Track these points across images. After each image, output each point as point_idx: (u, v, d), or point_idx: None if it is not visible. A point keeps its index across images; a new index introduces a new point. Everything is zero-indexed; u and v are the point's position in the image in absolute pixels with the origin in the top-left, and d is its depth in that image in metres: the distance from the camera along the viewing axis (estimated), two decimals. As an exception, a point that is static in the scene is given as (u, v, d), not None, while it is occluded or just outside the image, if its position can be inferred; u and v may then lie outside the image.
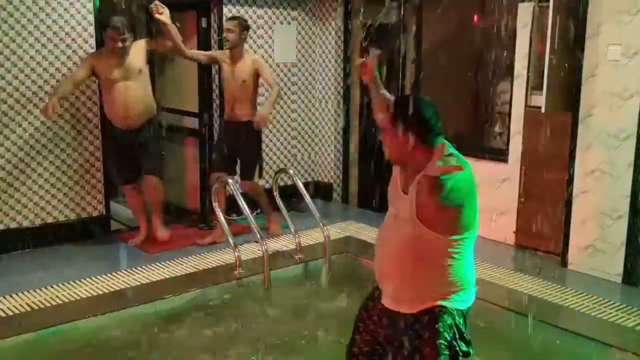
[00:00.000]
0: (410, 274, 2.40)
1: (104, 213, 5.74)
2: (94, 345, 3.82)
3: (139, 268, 4.94)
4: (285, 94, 6.82)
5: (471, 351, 2.46)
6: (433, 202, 2.24)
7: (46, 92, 5.24)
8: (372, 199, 6.62)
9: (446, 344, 2.38)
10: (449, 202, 2.23)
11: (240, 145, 5.58)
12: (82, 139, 5.53)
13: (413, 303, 2.42)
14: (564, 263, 5.10)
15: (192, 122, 6.50)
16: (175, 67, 6.64)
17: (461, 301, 2.45)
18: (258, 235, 4.75)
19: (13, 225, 5.27)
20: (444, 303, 2.41)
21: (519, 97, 5.36)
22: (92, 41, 5.47)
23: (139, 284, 4.67)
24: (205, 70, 6.27)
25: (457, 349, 2.41)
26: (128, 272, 4.87)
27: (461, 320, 2.44)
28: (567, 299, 4.50)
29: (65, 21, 5.32)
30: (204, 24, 6.23)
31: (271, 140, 6.78)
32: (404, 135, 2.34)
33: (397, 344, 2.46)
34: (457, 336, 2.42)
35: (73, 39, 5.38)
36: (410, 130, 2.34)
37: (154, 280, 4.72)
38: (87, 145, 5.56)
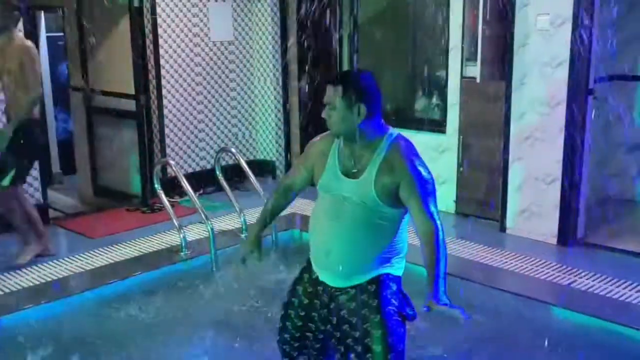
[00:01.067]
0: (362, 250, 2.43)
1: (42, 201, 5.59)
2: (37, 335, 3.73)
3: (81, 255, 4.84)
4: (224, 72, 6.76)
5: (416, 314, 2.54)
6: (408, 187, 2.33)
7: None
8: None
9: (395, 309, 2.44)
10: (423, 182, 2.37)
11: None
12: (14, 125, 5.33)
13: (361, 276, 2.45)
14: (502, 228, 5.29)
15: (129, 105, 6.37)
16: (108, 48, 6.48)
17: (400, 268, 2.53)
18: (203, 216, 4.72)
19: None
20: (388, 270, 2.47)
21: (455, 68, 5.47)
22: None
23: (82, 270, 4.59)
24: (140, 51, 6.14)
25: (405, 313, 2.49)
26: (70, 259, 4.77)
27: (401, 287, 2.53)
28: (506, 262, 4.68)
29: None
30: None
31: (210, 120, 6.72)
32: (353, 108, 2.37)
33: (341, 320, 2.47)
34: (402, 301, 2.50)
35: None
36: (360, 102, 2.37)
37: (98, 265, 4.65)
38: (19, 132, 5.36)
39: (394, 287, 2.48)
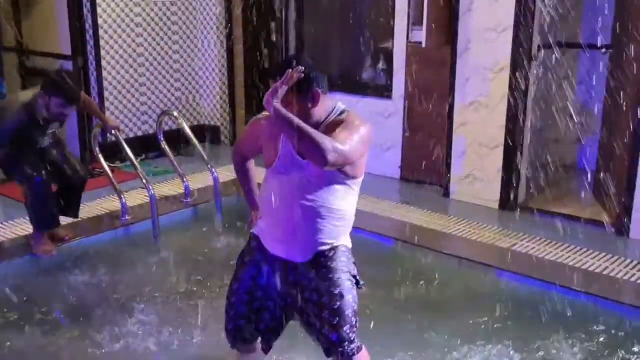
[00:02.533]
0: (318, 225, 2.41)
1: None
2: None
3: (16, 220, 4.66)
4: (166, 34, 6.55)
5: (362, 284, 2.56)
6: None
7: None
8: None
9: (349, 273, 2.48)
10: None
11: None
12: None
13: (317, 249, 2.45)
14: (446, 193, 5.34)
15: (66, 66, 6.12)
16: (44, 5, 6.19)
17: (349, 236, 2.55)
18: (144, 181, 4.60)
19: None
20: (343, 240, 2.50)
21: (401, 33, 5.43)
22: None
23: (16, 235, 4.42)
24: (77, 9, 5.88)
25: (357, 279, 2.52)
26: (6, 224, 4.60)
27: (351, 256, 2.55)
28: (449, 226, 4.74)
29: None
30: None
31: (152, 83, 6.53)
32: (307, 96, 2.31)
33: (301, 289, 2.47)
34: (353, 268, 2.53)
35: None
36: (312, 91, 2.31)
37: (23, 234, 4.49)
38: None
39: (349, 254, 2.53)
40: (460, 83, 5.06)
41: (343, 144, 2.19)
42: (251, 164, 2.76)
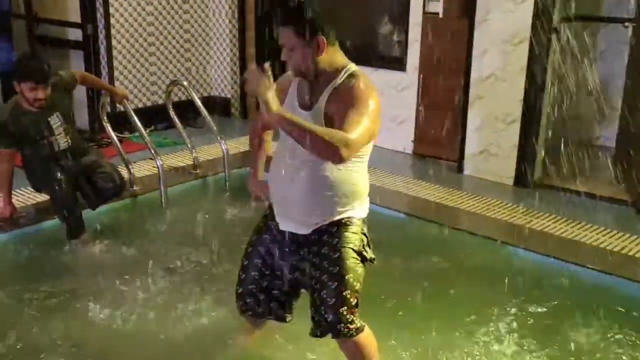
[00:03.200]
0: (321, 194, 2.33)
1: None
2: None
3: (22, 189, 4.61)
4: (177, 2, 6.43)
5: (374, 258, 2.47)
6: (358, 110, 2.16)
7: None
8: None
9: (354, 248, 2.38)
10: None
11: None
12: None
13: (322, 220, 2.37)
14: (460, 169, 5.23)
15: (75, 34, 6.03)
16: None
17: (363, 209, 2.45)
18: (153, 152, 4.53)
19: None
20: (350, 214, 2.40)
21: (417, 2, 5.28)
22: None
23: (23, 205, 4.37)
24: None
25: (365, 254, 2.42)
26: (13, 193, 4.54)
27: (365, 228, 2.46)
28: (462, 202, 4.63)
29: None
30: None
31: (162, 53, 6.42)
32: (311, 43, 2.22)
33: (302, 266, 2.41)
34: (364, 243, 2.43)
35: None
36: (318, 35, 2.22)
37: (41, 200, 4.43)
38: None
39: (356, 229, 2.41)
40: (478, 56, 4.91)
41: (355, 133, 2.08)
42: (269, 135, 2.69)
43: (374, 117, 2.19)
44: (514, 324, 3.16)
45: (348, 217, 2.38)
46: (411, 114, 5.53)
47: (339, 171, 2.30)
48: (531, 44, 4.62)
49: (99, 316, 3.18)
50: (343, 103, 2.19)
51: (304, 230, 2.39)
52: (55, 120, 3.94)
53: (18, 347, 2.93)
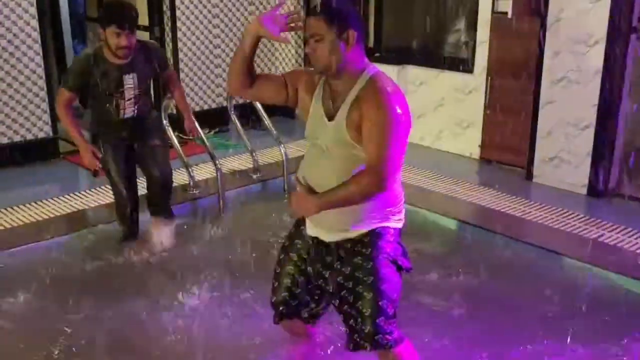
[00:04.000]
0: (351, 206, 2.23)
1: (51, 134, 5.44)
2: (53, 267, 3.66)
3: (89, 190, 4.71)
4: (242, 4, 6.43)
5: (411, 267, 2.37)
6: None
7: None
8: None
9: (389, 257, 2.29)
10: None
11: None
12: (21, 54, 5.15)
13: (355, 228, 2.27)
14: (529, 176, 4.98)
15: (143, 36, 6.12)
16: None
17: (399, 220, 2.35)
18: (210, 155, 4.53)
19: (-48, 149, 4.97)
20: (385, 224, 2.30)
21: (486, 1, 5.06)
22: None
23: (86, 207, 4.46)
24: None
25: (400, 263, 2.33)
26: (80, 194, 4.65)
27: (398, 239, 2.36)
28: (531, 212, 4.40)
29: None
30: None
31: (228, 55, 6.43)
32: (342, 35, 2.14)
33: (335, 273, 2.31)
34: (399, 252, 2.34)
35: None
36: (349, 29, 2.15)
37: (105, 203, 4.51)
38: (27, 62, 5.19)
39: (390, 238, 2.31)
40: (549, 57, 4.65)
41: (382, 162, 2.09)
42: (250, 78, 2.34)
43: (401, 132, 2.12)
44: (572, 346, 2.96)
45: (382, 226, 2.28)
46: (478, 117, 5.31)
47: None
48: (608, 45, 4.33)
49: (160, 320, 3.19)
50: (366, 116, 2.11)
51: (335, 237, 2.29)
52: (129, 81, 3.57)
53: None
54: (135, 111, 3.69)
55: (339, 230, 2.28)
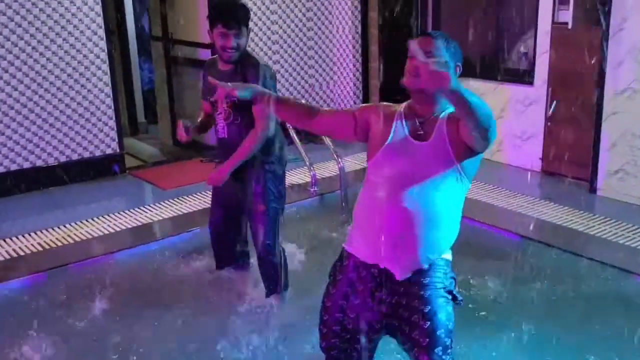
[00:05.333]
0: (426, 235, 2.17)
1: (118, 151, 5.65)
2: (105, 282, 3.76)
3: (156, 204, 4.88)
4: (301, 20, 6.52)
5: (462, 299, 2.32)
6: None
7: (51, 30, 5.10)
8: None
9: (445, 288, 2.25)
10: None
11: None
12: (90, 74, 5.39)
13: (420, 265, 2.21)
14: (592, 189, 4.85)
15: (206, 54, 6.29)
16: (185, -3, 6.40)
17: (450, 250, 2.30)
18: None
19: (26, 165, 5.22)
20: (443, 255, 2.25)
21: (546, 12, 4.98)
22: None
23: (150, 221, 4.61)
24: (214, -1, 6.02)
25: (454, 294, 2.28)
26: (148, 207, 4.82)
27: (451, 269, 2.31)
28: (596, 227, 4.28)
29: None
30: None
31: (287, 70, 6.54)
32: (455, 63, 2.19)
33: (390, 309, 2.25)
34: (454, 284, 2.29)
35: (73, -29, 5.17)
36: (457, 65, 2.20)
37: (167, 217, 4.65)
38: (95, 82, 5.42)
39: (447, 269, 2.27)
40: (612, 67, 4.54)
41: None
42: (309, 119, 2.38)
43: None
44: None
45: (441, 257, 2.24)
46: (539, 130, 5.22)
47: (448, 203, 2.17)
48: (674, 54, 4.20)
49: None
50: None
51: (401, 274, 2.21)
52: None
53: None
54: (226, 131, 3.23)
55: (414, 266, 2.21)
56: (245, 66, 3.12)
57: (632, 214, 4.45)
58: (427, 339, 2.17)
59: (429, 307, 2.18)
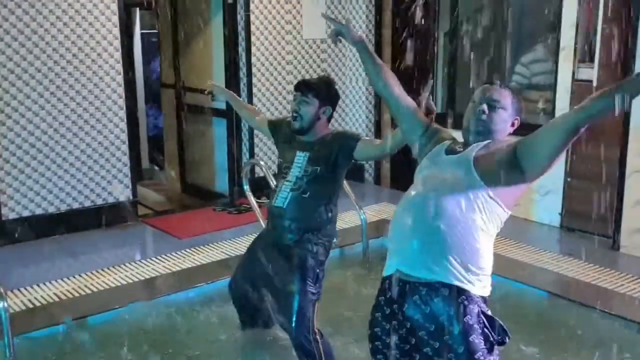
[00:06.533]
0: (457, 240, 2.14)
1: (131, 197, 5.57)
2: (122, 335, 3.64)
3: (169, 255, 4.76)
4: (315, 71, 6.56)
5: (507, 338, 2.24)
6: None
7: (66, 72, 5.07)
8: (405, 179, 6.37)
9: (480, 336, 2.15)
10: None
11: None
12: (107, 121, 5.34)
13: (446, 273, 2.15)
14: (615, 246, 4.82)
15: (219, 103, 6.28)
16: (200, 45, 6.42)
17: (485, 287, 2.23)
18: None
19: (38, 211, 5.11)
20: (471, 287, 2.17)
21: (566, 70, 5.04)
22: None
23: (175, 270, 4.50)
24: (232, 49, 6.04)
25: (492, 338, 2.19)
26: (159, 259, 4.70)
27: (485, 306, 2.22)
28: (621, 284, 4.23)
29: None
30: None
31: (300, 120, 6.54)
32: (514, 117, 2.32)
33: (413, 333, 2.22)
34: (486, 324, 2.19)
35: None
36: (515, 119, 2.32)
37: (186, 267, 4.55)
38: (112, 128, 5.37)
39: (477, 309, 2.17)
40: (637, 125, 4.57)
41: None
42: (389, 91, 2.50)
43: None
44: None
45: (469, 292, 2.16)
46: (558, 184, 5.21)
47: (480, 227, 2.16)
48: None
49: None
50: (496, 152, 2.20)
51: (419, 271, 2.17)
52: (300, 160, 3.09)
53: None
54: (287, 201, 3.05)
55: (442, 268, 2.16)
56: (336, 138, 3.13)
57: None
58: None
59: (462, 348, 2.13)
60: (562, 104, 5.09)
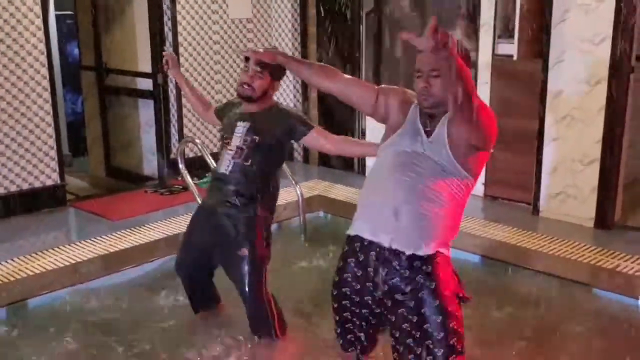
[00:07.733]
0: (422, 210, 2.24)
1: (59, 182, 5.40)
2: (60, 318, 3.58)
3: (102, 237, 4.68)
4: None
5: (468, 296, 2.41)
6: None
7: (-12, 53, 4.86)
8: (333, 159, 6.53)
9: (452, 292, 2.32)
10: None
11: None
12: (31, 103, 5.15)
13: (423, 244, 2.26)
14: (535, 211, 5.14)
15: (145, 84, 6.18)
16: (124, 26, 6.28)
17: (450, 249, 2.39)
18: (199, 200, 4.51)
19: (-39, 198, 4.90)
20: (442, 250, 2.31)
21: (486, 45, 5.29)
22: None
23: (112, 250, 4.43)
24: (158, 29, 5.95)
25: (460, 295, 2.37)
26: (93, 240, 4.62)
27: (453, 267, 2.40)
28: (540, 244, 4.53)
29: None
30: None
31: (224, 96, 6.52)
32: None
33: (393, 293, 2.31)
34: (457, 282, 2.38)
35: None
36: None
37: (122, 248, 4.49)
38: (36, 110, 5.19)
39: (449, 269, 2.35)
40: (552, 96, 4.87)
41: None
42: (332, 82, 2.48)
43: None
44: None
45: (441, 254, 2.30)
46: (481, 155, 5.47)
47: (445, 193, 2.27)
48: (610, 84, 4.56)
49: None
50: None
51: (404, 245, 2.26)
52: (240, 129, 3.10)
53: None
54: (229, 168, 3.07)
55: (407, 242, 2.27)
56: (283, 115, 3.19)
57: (576, 232, 4.73)
58: (442, 349, 2.25)
59: (441, 317, 2.26)
60: (483, 77, 5.35)
